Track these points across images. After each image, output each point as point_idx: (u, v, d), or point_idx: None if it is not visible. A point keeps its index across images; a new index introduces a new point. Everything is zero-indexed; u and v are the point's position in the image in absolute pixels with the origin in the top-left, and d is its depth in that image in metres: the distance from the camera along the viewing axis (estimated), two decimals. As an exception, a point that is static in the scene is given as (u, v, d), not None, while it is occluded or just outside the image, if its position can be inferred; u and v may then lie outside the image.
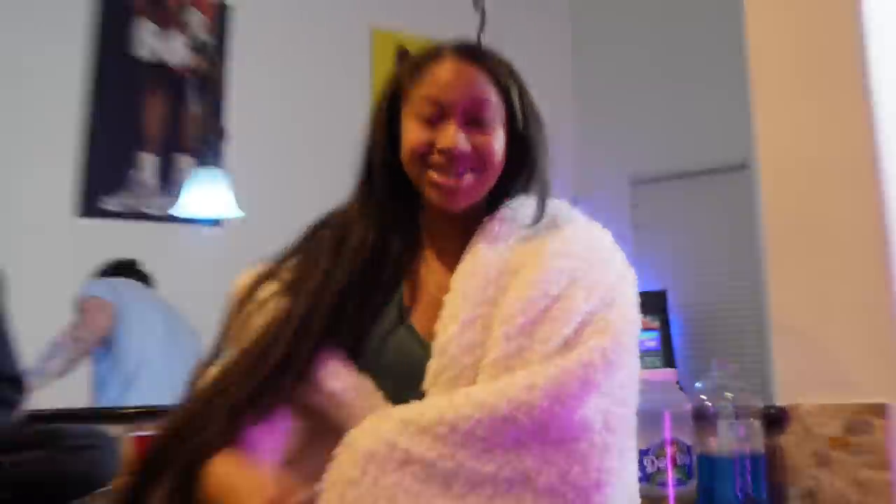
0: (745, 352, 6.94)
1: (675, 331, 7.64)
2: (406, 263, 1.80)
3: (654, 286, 7.53)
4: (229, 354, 1.76)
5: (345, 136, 6.77)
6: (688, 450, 2.31)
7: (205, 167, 3.97)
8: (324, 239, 1.84)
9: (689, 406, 2.35)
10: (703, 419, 2.34)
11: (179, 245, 6.24)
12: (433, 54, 1.81)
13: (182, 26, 6.70)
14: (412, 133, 1.77)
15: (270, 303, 1.77)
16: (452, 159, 1.73)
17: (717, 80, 7.49)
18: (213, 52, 6.63)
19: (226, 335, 1.81)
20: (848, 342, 2.32)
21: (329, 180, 7.24)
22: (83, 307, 4.80)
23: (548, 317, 1.64)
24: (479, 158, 1.75)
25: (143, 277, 5.14)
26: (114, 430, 3.33)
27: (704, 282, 7.56)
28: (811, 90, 2.45)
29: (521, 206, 1.82)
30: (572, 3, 8.48)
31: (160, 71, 6.60)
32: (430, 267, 1.81)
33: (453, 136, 1.73)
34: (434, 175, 1.75)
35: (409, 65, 1.84)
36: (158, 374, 4.81)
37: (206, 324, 5.11)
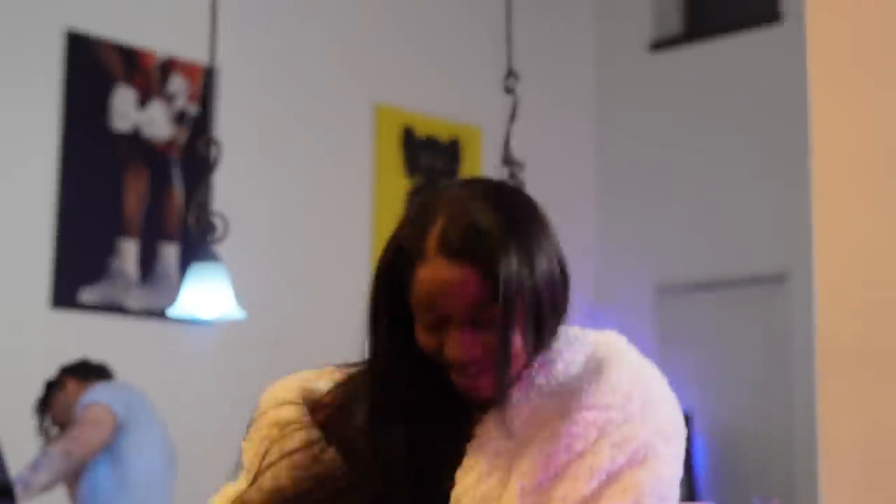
0: (773, 481, 7.01)
1: (699, 457, 7.69)
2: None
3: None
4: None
5: (344, 223, 6.91)
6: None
7: (202, 262, 4.09)
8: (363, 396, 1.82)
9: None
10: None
11: (161, 344, 6.33)
12: (417, 248, 1.73)
13: (164, 94, 6.80)
14: (420, 336, 1.75)
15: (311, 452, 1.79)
16: (463, 367, 1.72)
17: (754, 183, 7.60)
18: (199, 124, 6.68)
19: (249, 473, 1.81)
20: None
21: (330, 273, 7.34)
22: (82, 416, 4.75)
23: (568, 475, 1.66)
24: (495, 356, 1.71)
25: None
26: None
27: (733, 404, 7.62)
28: (880, 193, 2.52)
29: (564, 351, 1.78)
30: (600, 99, 8.57)
31: (141, 145, 6.69)
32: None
33: (457, 349, 1.71)
34: (456, 377, 1.75)
35: (397, 251, 1.77)
36: (155, 486, 4.86)
37: (186, 435, 5.23)
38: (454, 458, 1.74)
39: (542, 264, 1.74)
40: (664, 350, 7.41)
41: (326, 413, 1.83)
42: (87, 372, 4.99)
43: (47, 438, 4.89)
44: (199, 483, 5.06)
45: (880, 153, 2.53)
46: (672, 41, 8.43)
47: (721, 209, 7.85)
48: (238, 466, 1.84)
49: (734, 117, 7.85)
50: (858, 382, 2.50)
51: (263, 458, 1.79)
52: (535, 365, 1.76)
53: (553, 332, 1.77)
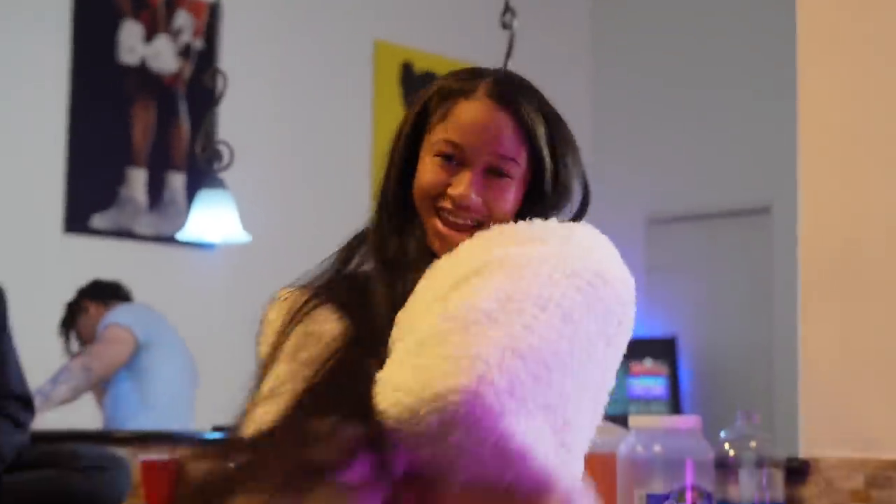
0: (754, 399, 7.08)
1: (684, 376, 7.78)
2: None
3: (664, 332, 7.64)
4: (283, 387, 1.76)
5: (346, 151, 6.97)
6: (709, 497, 2.51)
7: (209, 189, 4.12)
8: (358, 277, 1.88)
9: (711, 454, 2.54)
10: (724, 467, 2.54)
11: (171, 267, 6.39)
12: (465, 88, 1.83)
13: (170, 29, 6.79)
14: (427, 171, 1.82)
15: (325, 331, 1.79)
16: (461, 208, 1.79)
17: (742, 121, 7.63)
18: (204, 58, 6.71)
19: (271, 360, 1.81)
20: (875, 399, 2.48)
21: (330, 199, 7.37)
22: (103, 335, 4.83)
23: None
24: (487, 210, 1.80)
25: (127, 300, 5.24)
26: (124, 452, 3.52)
27: (719, 327, 7.70)
28: (861, 138, 2.56)
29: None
30: (594, 35, 8.56)
31: (148, 78, 6.69)
32: None
33: (466, 187, 1.78)
34: (439, 224, 1.81)
35: (440, 91, 1.85)
36: (177, 400, 4.94)
37: (196, 352, 5.28)
38: None
39: (571, 159, 1.85)
40: (652, 279, 7.44)
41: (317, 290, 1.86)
42: (106, 293, 5.06)
43: (71, 357, 4.93)
44: (211, 393, 5.18)
45: (861, 93, 2.58)
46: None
47: (708, 147, 7.89)
48: (256, 371, 1.85)
49: (723, 60, 7.86)
50: (838, 304, 2.56)
51: (278, 338, 1.82)
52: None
53: (542, 212, 1.82)
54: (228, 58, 6.45)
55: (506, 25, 3.72)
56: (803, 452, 2.57)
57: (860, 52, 2.61)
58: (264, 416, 1.75)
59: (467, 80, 1.85)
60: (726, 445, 2.57)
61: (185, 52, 6.83)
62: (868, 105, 2.58)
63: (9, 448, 3.26)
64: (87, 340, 4.95)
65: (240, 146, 4.31)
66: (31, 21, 6.30)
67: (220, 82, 4.37)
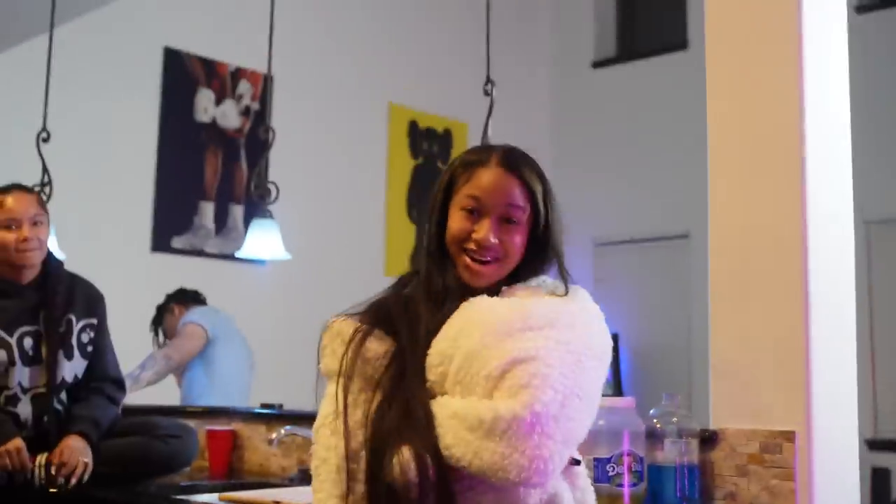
0: (676, 383, 7.06)
1: (624, 366, 7.77)
2: None
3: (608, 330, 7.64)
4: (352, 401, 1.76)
5: (365, 190, 6.96)
6: (640, 460, 2.48)
7: (261, 218, 4.11)
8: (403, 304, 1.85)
9: (642, 426, 2.53)
10: (653, 437, 2.51)
11: (232, 278, 6.38)
12: (482, 158, 1.87)
13: (234, 95, 6.82)
14: (456, 221, 1.85)
15: (376, 351, 1.79)
16: (483, 248, 1.82)
17: (667, 166, 7.63)
18: (259, 116, 6.73)
19: (347, 377, 1.78)
20: (768, 380, 2.46)
21: (353, 225, 7.40)
22: (182, 331, 4.77)
23: (517, 336, 1.70)
24: (503, 250, 1.82)
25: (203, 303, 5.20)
26: (194, 423, 3.50)
27: (649, 328, 7.68)
28: (755, 173, 2.54)
29: (539, 282, 1.88)
30: (553, 87, 8.58)
31: (217, 132, 6.72)
32: None
33: (487, 232, 1.81)
34: (466, 259, 1.83)
35: (463, 163, 1.89)
36: (238, 383, 4.88)
37: (251, 343, 5.28)
38: None
39: (554, 198, 1.89)
40: (599, 289, 7.41)
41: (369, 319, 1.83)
42: (187, 297, 5.01)
43: (157, 348, 4.90)
44: (262, 378, 5.16)
45: (753, 145, 2.57)
46: (608, 61, 8.43)
47: (643, 185, 7.88)
48: (321, 376, 1.83)
49: (655, 117, 7.87)
50: (739, 307, 2.55)
51: (343, 356, 1.79)
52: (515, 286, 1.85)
53: (546, 252, 1.87)
54: (278, 116, 6.43)
55: (487, 93, 3.73)
56: (713, 424, 2.55)
57: (751, 117, 2.60)
58: (337, 427, 1.75)
59: (483, 153, 1.90)
60: (654, 420, 2.54)
61: (245, 112, 6.83)
62: (760, 151, 2.56)
63: (105, 420, 3.23)
64: (170, 335, 4.90)
65: (285, 185, 4.29)
66: (131, 88, 6.36)
67: (270, 136, 4.35)
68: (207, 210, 6.60)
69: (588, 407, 1.73)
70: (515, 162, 1.88)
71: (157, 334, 4.99)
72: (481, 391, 1.68)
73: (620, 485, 2.44)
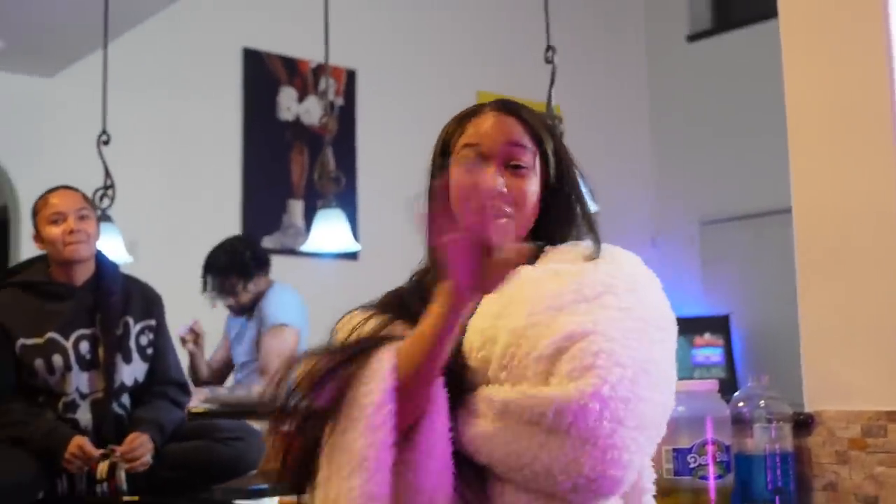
0: (793, 364, 6.80)
1: (737, 348, 7.54)
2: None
3: (719, 311, 7.49)
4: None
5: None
6: (726, 449, 2.29)
7: (327, 209, 3.98)
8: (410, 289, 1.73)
9: (727, 412, 2.33)
10: (740, 423, 2.32)
11: (323, 275, 6.31)
12: (475, 110, 1.72)
13: (317, 91, 6.77)
14: (456, 178, 1.66)
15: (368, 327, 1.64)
16: (492, 199, 1.62)
17: (771, 138, 7.38)
18: (344, 111, 6.69)
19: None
20: (867, 358, 2.28)
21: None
22: (278, 335, 4.45)
23: (570, 310, 1.51)
24: (513, 200, 1.63)
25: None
26: (260, 425, 3.39)
27: (761, 308, 7.44)
28: (841, 143, 2.39)
29: (568, 248, 1.68)
30: (650, 63, 8.41)
31: (301, 130, 6.70)
32: None
33: (492, 177, 1.62)
34: (474, 216, 1.60)
35: (454, 120, 1.73)
36: None
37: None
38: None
39: (567, 151, 1.71)
40: (707, 270, 7.32)
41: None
42: (261, 262, 4.62)
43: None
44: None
45: (845, 109, 2.38)
46: (704, 34, 8.21)
47: (746, 159, 7.62)
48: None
49: (754, 88, 7.59)
50: (832, 282, 2.40)
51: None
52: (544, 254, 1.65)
53: (567, 211, 1.68)
54: (362, 111, 6.42)
55: (548, 60, 3.57)
56: (808, 407, 2.35)
57: (833, 83, 2.41)
58: None
59: (474, 107, 1.74)
60: (740, 404, 2.34)
61: (329, 108, 6.78)
62: (848, 110, 2.37)
63: (169, 424, 3.18)
64: (239, 304, 4.54)
65: (370, 179, 4.17)
66: (214, 89, 6.41)
67: (354, 131, 4.26)
68: (296, 208, 6.59)
69: (660, 384, 1.51)
70: (513, 105, 1.70)
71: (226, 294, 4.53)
72: (533, 376, 1.46)
73: (704, 477, 2.25)
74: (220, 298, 4.46)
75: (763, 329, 7.43)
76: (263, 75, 6.59)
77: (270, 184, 6.52)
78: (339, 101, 6.81)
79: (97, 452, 2.99)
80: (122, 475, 3.00)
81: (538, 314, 1.50)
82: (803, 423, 2.34)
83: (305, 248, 4.00)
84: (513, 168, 1.65)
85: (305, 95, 6.72)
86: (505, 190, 1.62)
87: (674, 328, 1.60)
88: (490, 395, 1.49)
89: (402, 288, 1.75)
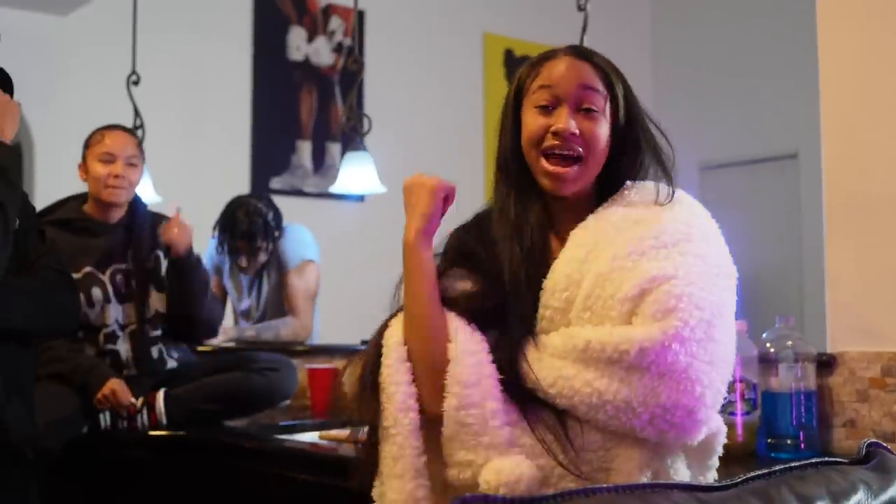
0: (788, 308, 6.87)
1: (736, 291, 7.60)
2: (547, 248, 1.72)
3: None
4: None
5: (461, 122, 6.91)
6: (754, 387, 2.37)
7: (354, 151, 4.01)
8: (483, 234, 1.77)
9: (755, 351, 2.41)
10: (767, 362, 2.40)
11: (330, 215, 6.36)
12: (549, 55, 1.75)
13: (326, 31, 6.76)
14: (530, 120, 1.71)
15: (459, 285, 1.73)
16: (564, 139, 1.67)
17: (774, 81, 7.40)
18: (352, 53, 6.63)
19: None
20: (890, 301, 2.33)
21: (451, 157, 7.36)
22: (303, 271, 4.44)
23: (652, 255, 1.60)
24: (584, 142, 1.68)
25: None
26: (294, 363, 3.47)
27: (758, 252, 7.47)
28: (873, 86, 2.40)
29: (641, 190, 1.74)
30: (652, 6, 8.37)
31: (310, 70, 6.68)
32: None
33: (566, 119, 1.67)
34: (545, 164, 1.69)
35: (529, 64, 1.77)
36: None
37: (353, 284, 5.25)
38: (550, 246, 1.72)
39: (635, 97, 1.75)
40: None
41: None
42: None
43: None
44: (362, 312, 5.13)
45: (876, 46, 2.41)
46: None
47: (748, 104, 7.64)
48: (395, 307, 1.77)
49: (760, 33, 7.61)
50: (856, 226, 2.42)
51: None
52: (627, 184, 1.73)
53: (635, 153, 1.73)
54: (371, 51, 6.38)
55: (580, 7, 3.59)
56: (830, 347, 2.42)
57: (874, 10, 2.43)
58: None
59: (549, 52, 1.77)
60: (767, 344, 2.42)
61: (338, 48, 6.78)
62: (882, 56, 2.40)
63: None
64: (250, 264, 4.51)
65: (379, 120, 4.19)
66: (223, 30, 6.36)
67: (361, 68, 4.26)
68: (305, 149, 6.59)
69: (730, 328, 1.62)
70: (585, 50, 1.76)
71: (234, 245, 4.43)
72: (616, 316, 1.56)
73: (733, 413, 2.35)
74: (237, 260, 4.43)
75: (759, 274, 7.50)
76: (273, 14, 6.55)
77: (279, 124, 6.51)
78: (348, 42, 6.80)
79: (129, 400, 3.04)
80: (161, 407, 3.07)
81: (622, 259, 1.59)
82: (826, 363, 2.41)
83: (334, 188, 4.03)
84: (584, 111, 1.69)
85: (315, 35, 6.69)
86: (577, 131, 1.68)
87: (735, 277, 1.70)
88: (572, 334, 1.58)
89: (463, 229, 1.81)
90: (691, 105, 7.83)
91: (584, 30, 3.55)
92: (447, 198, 1.71)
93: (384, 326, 1.72)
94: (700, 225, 1.68)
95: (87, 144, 3.29)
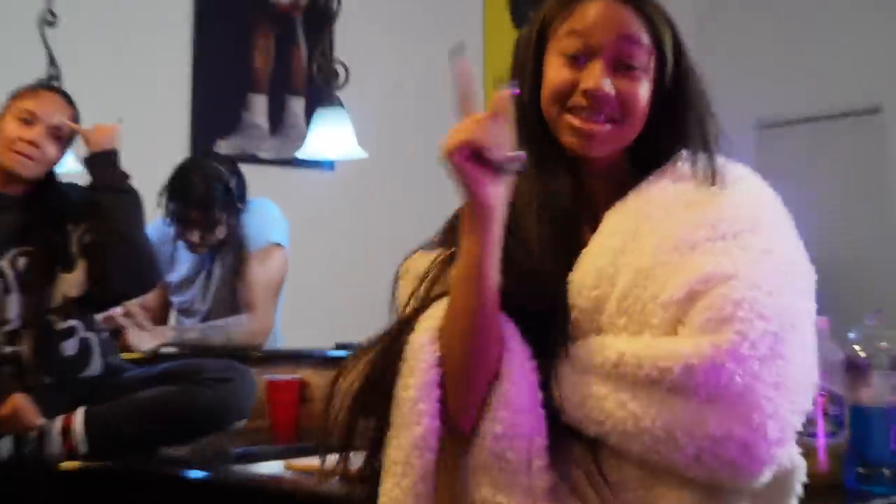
0: (880, 298, 6.85)
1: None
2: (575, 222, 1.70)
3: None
4: None
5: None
6: (839, 401, 2.35)
7: (325, 107, 3.97)
8: None
9: (840, 356, 2.38)
10: (855, 369, 2.37)
11: (293, 188, 6.33)
12: None
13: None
14: (555, 70, 1.69)
15: None
16: (595, 102, 1.65)
17: (849, 21, 7.40)
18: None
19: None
20: None
21: (443, 115, 7.33)
22: (268, 255, 4.42)
23: (706, 249, 1.58)
24: (621, 106, 1.66)
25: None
26: (256, 373, 3.43)
27: (830, 230, 7.48)
28: None
29: (688, 166, 1.72)
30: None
31: (266, 7, 6.62)
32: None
33: (598, 77, 1.65)
34: (571, 118, 1.67)
35: (558, 2, 1.74)
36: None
37: (321, 274, 5.19)
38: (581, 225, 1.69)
39: (686, 48, 1.73)
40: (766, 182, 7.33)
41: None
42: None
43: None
44: (334, 311, 5.09)
45: None
46: None
47: (817, 50, 7.64)
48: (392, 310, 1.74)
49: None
50: None
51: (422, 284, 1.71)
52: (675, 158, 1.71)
53: (681, 122, 1.72)
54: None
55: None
56: (939, 350, 2.39)
57: None
58: None
59: None
60: (856, 346, 2.38)
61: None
62: None
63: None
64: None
65: (354, 72, 4.14)
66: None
67: (334, 4, 4.21)
68: (259, 104, 6.57)
69: (806, 344, 1.58)
70: None
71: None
72: (659, 323, 1.53)
73: (813, 434, 2.31)
74: (187, 234, 4.36)
75: (834, 258, 7.50)
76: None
77: (227, 74, 6.46)
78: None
79: (37, 421, 3.02)
80: (79, 430, 3.04)
81: (668, 252, 1.56)
82: (931, 371, 2.39)
83: (302, 153, 3.99)
84: (624, 67, 1.67)
85: (272, -39, 6.67)
86: (612, 92, 1.65)
87: (813, 278, 1.67)
88: (603, 345, 1.55)
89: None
90: (746, 49, 7.85)
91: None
92: (480, 152, 1.51)
93: (405, 322, 1.66)
94: (768, 211, 1.67)
95: (11, 97, 3.34)
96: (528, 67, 1.74)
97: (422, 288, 1.69)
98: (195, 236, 4.29)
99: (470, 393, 1.56)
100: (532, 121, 1.71)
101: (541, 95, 1.71)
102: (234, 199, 4.30)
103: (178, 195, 4.30)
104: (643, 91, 1.67)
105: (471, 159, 1.50)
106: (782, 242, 1.63)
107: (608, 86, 1.65)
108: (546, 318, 1.60)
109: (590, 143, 1.66)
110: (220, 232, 4.29)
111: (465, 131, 1.51)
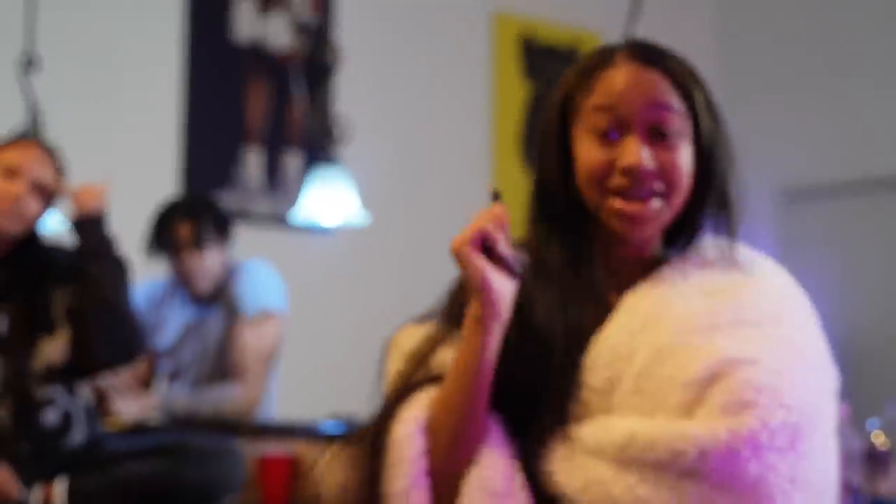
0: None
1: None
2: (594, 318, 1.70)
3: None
4: None
5: (464, 129, 6.92)
6: (855, 493, 2.39)
7: (322, 164, 3.99)
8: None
9: (858, 445, 2.42)
10: (874, 460, 2.42)
11: (288, 250, 6.34)
12: (603, 58, 1.73)
13: (284, 4, 6.73)
14: (587, 152, 1.69)
15: None
16: (636, 180, 1.65)
17: (874, 91, 7.41)
18: (320, 34, 6.59)
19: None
20: None
21: (451, 177, 7.34)
22: (262, 325, 4.48)
23: (728, 333, 1.62)
24: (664, 178, 1.68)
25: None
26: (246, 446, 3.47)
27: (858, 309, 7.49)
28: None
29: (713, 248, 1.76)
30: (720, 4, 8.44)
31: (261, 57, 6.65)
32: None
33: (636, 153, 1.65)
34: (614, 201, 1.67)
35: (576, 72, 1.75)
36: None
37: (317, 343, 5.22)
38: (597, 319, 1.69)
39: (716, 106, 1.75)
40: (787, 255, 7.28)
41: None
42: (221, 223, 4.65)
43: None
44: (328, 382, 5.10)
45: None
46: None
47: (844, 113, 7.66)
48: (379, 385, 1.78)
49: (854, 27, 7.65)
50: None
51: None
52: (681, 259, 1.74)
53: (709, 193, 1.73)
54: (344, 32, 6.41)
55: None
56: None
57: None
58: None
59: (602, 54, 1.75)
60: (876, 436, 2.44)
61: (300, 28, 6.78)
62: None
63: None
64: (187, 272, 4.57)
65: (357, 120, 4.19)
66: (145, 2, 6.33)
67: (333, 56, 4.28)
68: (253, 159, 6.58)
69: (827, 446, 1.64)
70: (654, 52, 1.74)
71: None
72: (675, 404, 1.57)
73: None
74: (175, 254, 4.45)
75: (866, 343, 7.49)
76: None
77: (220, 127, 6.50)
78: (314, 20, 6.81)
79: (16, 492, 3.04)
80: (61, 502, 3.07)
81: (690, 333, 1.61)
82: (954, 463, 2.44)
83: (296, 217, 4.02)
84: (659, 136, 1.68)
85: (268, 9, 6.72)
86: (652, 166, 1.67)
87: (836, 380, 1.72)
88: (611, 424, 1.59)
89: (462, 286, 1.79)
90: (768, 112, 7.86)
91: (633, 15, 3.55)
92: (489, 243, 1.58)
93: (388, 410, 1.70)
94: (793, 306, 1.72)
95: None
96: (553, 145, 1.75)
97: (406, 369, 1.72)
98: (185, 255, 4.45)
99: (454, 480, 1.60)
100: (562, 203, 1.74)
101: (572, 176, 1.72)
102: (223, 220, 4.40)
103: (162, 220, 4.58)
104: (684, 158, 1.69)
105: (482, 252, 1.56)
106: (807, 338, 1.68)
107: (647, 160, 1.66)
108: (542, 398, 1.64)
109: (639, 226, 1.69)
110: (208, 259, 4.38)
111: (477, 225, 1.57)
